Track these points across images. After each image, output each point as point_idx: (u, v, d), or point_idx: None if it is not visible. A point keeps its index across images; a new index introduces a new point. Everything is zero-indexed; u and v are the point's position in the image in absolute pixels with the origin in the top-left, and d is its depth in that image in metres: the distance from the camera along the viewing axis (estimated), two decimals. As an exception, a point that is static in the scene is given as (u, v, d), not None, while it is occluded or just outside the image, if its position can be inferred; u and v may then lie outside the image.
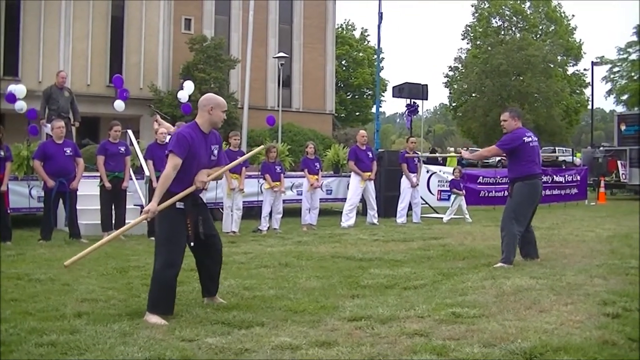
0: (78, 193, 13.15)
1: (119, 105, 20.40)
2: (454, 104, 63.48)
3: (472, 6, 64.26)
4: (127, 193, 13.92)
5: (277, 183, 15.06)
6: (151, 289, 6.61)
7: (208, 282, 7.18)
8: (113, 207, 13.45)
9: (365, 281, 8.46)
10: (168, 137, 14.60)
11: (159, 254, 6.67)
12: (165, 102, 36.09)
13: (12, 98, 18.42)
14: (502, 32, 62.44)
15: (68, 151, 12.91)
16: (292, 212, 17.51)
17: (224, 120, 7.00)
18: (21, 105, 18.27)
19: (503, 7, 62.47)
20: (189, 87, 21.69)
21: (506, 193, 22.10)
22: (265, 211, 15.08)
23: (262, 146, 11.36)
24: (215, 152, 6.98)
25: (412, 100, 24.50)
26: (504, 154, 10.48)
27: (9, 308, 6.75)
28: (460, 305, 6.77)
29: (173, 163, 6.60)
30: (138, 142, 16.62)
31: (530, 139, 10.01)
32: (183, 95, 21.81)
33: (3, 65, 36.45)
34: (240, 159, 9.97)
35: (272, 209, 15.17)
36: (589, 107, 56.73)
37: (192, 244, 6.81)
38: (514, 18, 62.71)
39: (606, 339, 5.51)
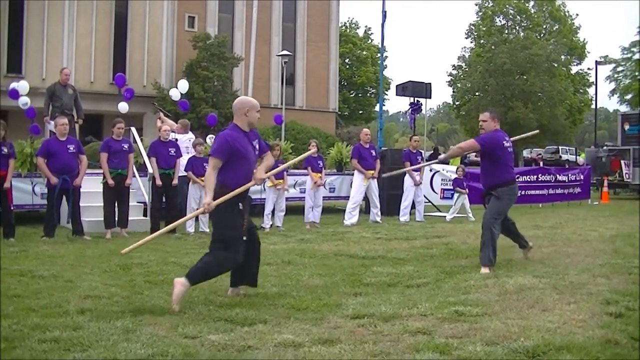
0: (81, 190, 13.15)
1: (123, 107, 20.43)
2: (457, 103, 63.35)
3: (476, 5, 64.10)
4: (130, 190, 13.93)
5: (280, 181, 15.07)
6: (205, 270, 7.07)
7: (252, 271, 7.54)
8: (116, 204, 13.47)
9: (368, 279, 8.47)
10: (172, 135, 14.64)
11: (222, 249, 7.10)
12: (168, 100, 35.86)
13: (15, 94, 18.43)
14: (506, 31, 62.29)
15: (71, 148, 12.92)
16: (295, 210, 17.52)
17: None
18: (25, 100, 18.28)
19: (507, 6, 62.30)
20: (182, 86, 22.01)
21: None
22: (268, 209, 15.08)
23: (311, 151, 11.20)
24: (257, 145, 7.48)
25: (416, 99, 24.54)
26: (478, 151, 10.25)
27: (12, 304, 6.77)
28: (463, 304, 6.78)
29: (212, 164, 7.12)
30: (141, 140, 16.64)
31: (508, 143, 9.93)
32: (175, 93, 22.08)
33: (7, 62, 36.49)
34: (286, 165, 10.05)
35: (274, 206, 15.17)
36: (593, 106, 56.76)
37: (244, 238, 7.19)
38: (518, 17, 62.56)
39: (609, 338, 5.51)
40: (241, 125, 7.30)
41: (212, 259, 7.12)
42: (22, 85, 18.49)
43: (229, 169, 7.10)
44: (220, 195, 7.01)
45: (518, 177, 22.67)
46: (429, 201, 19.86)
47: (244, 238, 7.18)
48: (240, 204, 7.14)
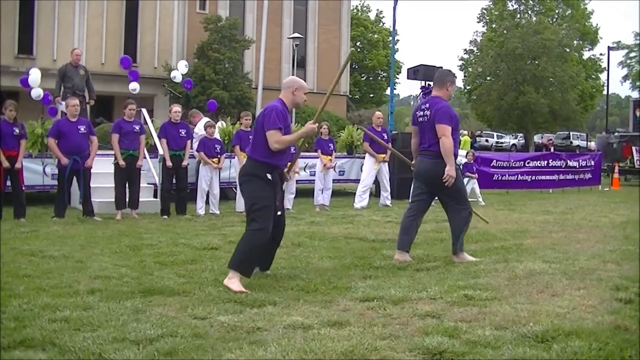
0: (92, 171, 13.17)
1: (134, 87, 20.45)
2: (468, 87, 63.18)
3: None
4: (141, 171, 13.94)
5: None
6: (239, 249, 7.04)
7: (268, 255, 7.60)
8: (127, 185, 13.49)
9: (378, 262, 8.47)
10: (197, 128, 14.75)
11: (253, 220, 7.08)
12: (179, 82, 36.13)
13: (26, 84, 18.38)
14: (518, 16, 62.01)
15: (82, 129, 12.94)
16: (305, 192, 17.51)
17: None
18: (38, 92, 18.21)
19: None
20: (181, 67, 22.24)
21: (520, 177, 22.11)
22: (278, 191, 15.07)
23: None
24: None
25: (427, 83, 24.45)
26: None
27: (22, 284, 6.80)
28: (473, 288, 6.77)
29: (275, 139, 7.06)
30: (152, 121, 16.65)
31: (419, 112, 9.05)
32: (176, 75, 22.23)
33: (18, 43, 36.52)
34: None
35: (284, 189, 15.17)
36: (605, 92, 56.48)
37: (278, 213, 7.37)
38: (530, 1, 62.19)
39: (618, 324, 5.50)
40: (287, 103, 7.33)
41: (244, 238, 7.12)
42: (33, 78, 18.39)
43: (266, 145, 7.09)
44: (257, 172, 7.12)
45: (529, 162, 22.82)
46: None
47: (275, 211, 7.25)
48: (268, 175, 7.15)
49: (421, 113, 8.86)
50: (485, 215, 14.19)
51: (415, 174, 9.14)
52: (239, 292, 6.57)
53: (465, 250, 9.11)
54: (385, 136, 16.66)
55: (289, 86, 7.40)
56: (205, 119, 15.74)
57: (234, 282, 6.77)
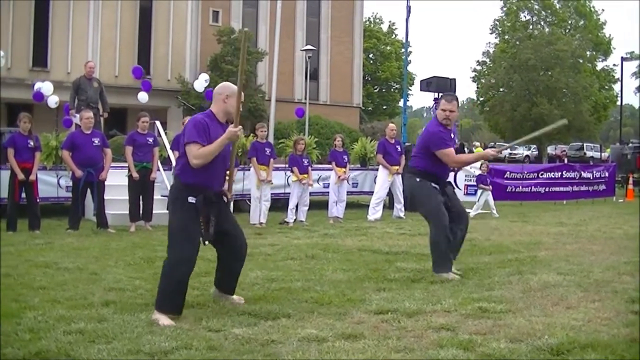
0: (106, 183, 13.23)
1: (143, 97, 20.48)
2: (481, 99, 63.06)
3: (501, 0, 63.91)
4: (155, 184, 13.98)
5: (305, 175, 15.10)
6: (159, 285, 6.26)
7: (227, 279, 6.81)
8: (141, 197, 13.53)
9: (392, 275, 8.45)
10: None
11: (170, 248, 6.35)
12: (192, 94, 36.15)
13: (39, 97, 18.44)
14: (531, 27, 61.94)
15: (96, 141, 13.01)
16: (318, 204, 17.52)
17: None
18: (55, 99, 18.27)
19: (532, 1, 61.91)
20: (202, 78, 22.21)
21: (533, 188, 22.03)
22: (292, 203, 15.11)
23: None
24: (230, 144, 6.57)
25: (440, 94, 24.45)
26: None
27: (37, 296, 6.84)
28: (487, 300, 6.75)
29: (193, 154, 6.19)
30: (166, 133, 16.71)
31: None
32: (199, 85, 22.22)
33: (32, 56, 36.70)
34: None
35: (298, 201, 15.21)
36: (618, 103, 56.35)
37: (206, 243, 6.40)
38: (543, 12, 62.13)
39: (634, 337, 5.46)
40: (216, 113, 6.45)
41: (162, 271, 6.32)
42: (46, 87, 18.45)
43: (188, 163, 6.27)
44: (178, 195, 6.39)
45: (543, 174, 22.76)
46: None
47: (203, 237, 6.35)
48: (190, 198, 6.29)
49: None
50: (498, 227, 14.19)
51: None
52: (168, 325, 5.84)
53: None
54: (399, 148, 16.68)
55: (220, 93, 6.47)
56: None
57: (159, 317, 6.00)
